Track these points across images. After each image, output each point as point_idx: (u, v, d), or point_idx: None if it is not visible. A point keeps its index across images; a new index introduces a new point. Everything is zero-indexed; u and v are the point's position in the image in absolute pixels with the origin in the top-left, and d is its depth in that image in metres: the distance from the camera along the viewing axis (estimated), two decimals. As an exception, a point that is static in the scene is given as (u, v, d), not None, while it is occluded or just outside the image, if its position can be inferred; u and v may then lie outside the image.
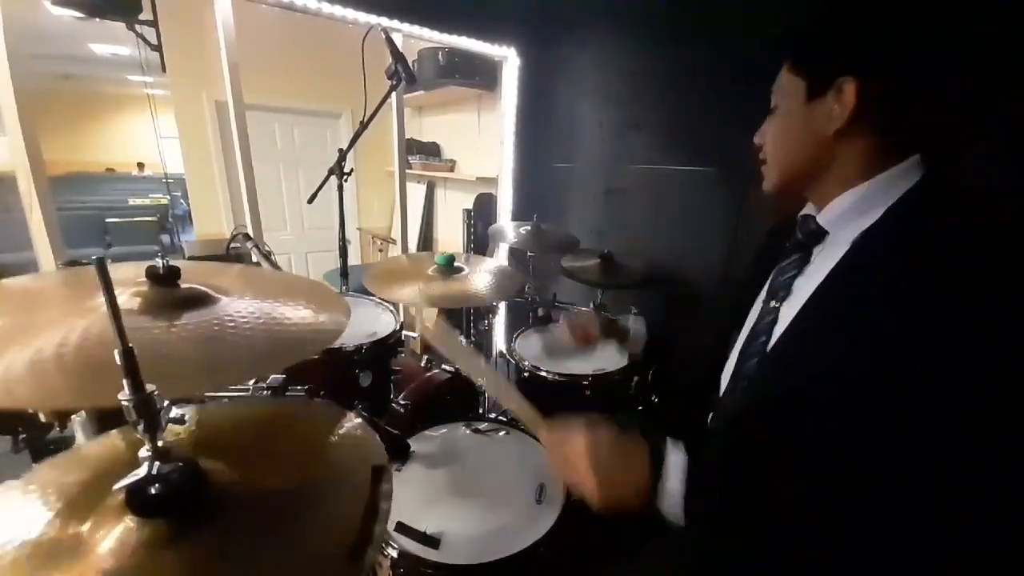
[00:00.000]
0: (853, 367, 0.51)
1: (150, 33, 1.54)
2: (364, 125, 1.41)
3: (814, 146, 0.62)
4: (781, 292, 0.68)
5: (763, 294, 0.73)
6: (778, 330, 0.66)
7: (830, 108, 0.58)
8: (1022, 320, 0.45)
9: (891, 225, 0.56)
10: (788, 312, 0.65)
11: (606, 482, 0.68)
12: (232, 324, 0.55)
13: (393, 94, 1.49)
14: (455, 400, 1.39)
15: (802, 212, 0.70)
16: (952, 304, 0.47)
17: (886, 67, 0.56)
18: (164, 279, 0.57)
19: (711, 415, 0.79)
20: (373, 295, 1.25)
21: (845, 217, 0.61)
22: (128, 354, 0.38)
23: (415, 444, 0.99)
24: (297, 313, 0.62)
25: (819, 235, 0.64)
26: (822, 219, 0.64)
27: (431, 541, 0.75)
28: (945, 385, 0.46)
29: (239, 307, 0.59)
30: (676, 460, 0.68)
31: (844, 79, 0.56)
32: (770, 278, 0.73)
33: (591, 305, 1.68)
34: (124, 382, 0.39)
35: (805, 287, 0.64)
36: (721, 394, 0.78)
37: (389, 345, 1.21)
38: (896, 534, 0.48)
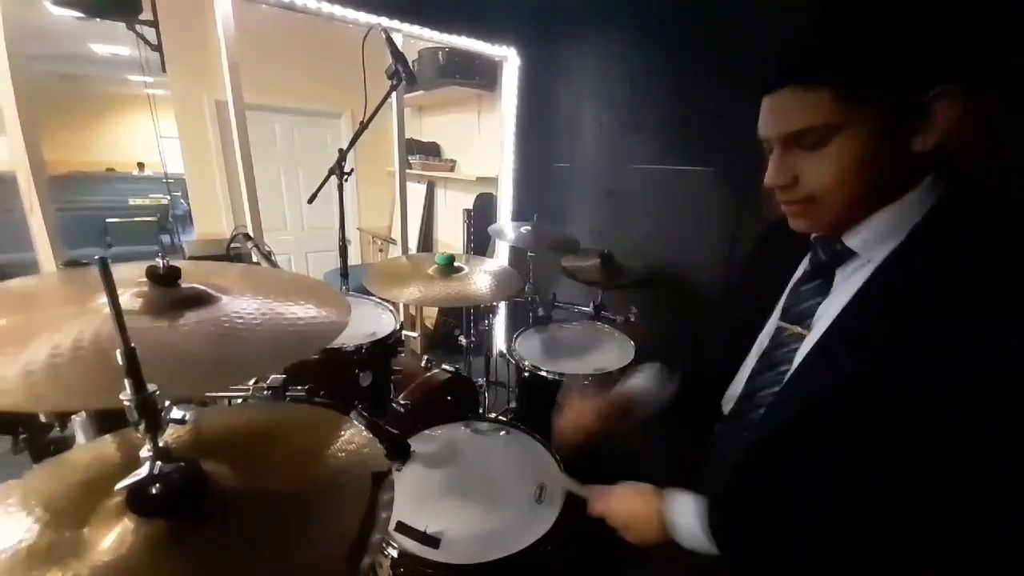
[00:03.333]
0: (894, 387, 0.50)
1: (150, 33, 1.55)
2: (364, 125, 1.41)
3: (893, 175, 0.55)
4: (806, 319, 0.65)
5: (776, 314, 0.71)
6: (801, 355, 0.63)
7: (914, 131, 0.51)
8: None
9: (921, 243, 0.53)
10: (814, 338, 0.63)
11: (633, 527, 0.73)
12: (228, 324, 0.56)
13: (393, 94, 1.49)
14: (455, 400, 1.39)
15: (817, 233, 0.66)
16: (999, 320, 0.46)
17: (979, 82, 0.51)
18: (164, 279, 0.57)
19: (717, 436, 0.79)
20: (373, 295, 1.25)
21: (877, 239, 0.57)
22: (130, 354, 0.38)
23: (415, 444, 0.99)
24: (297, 311, 0.62)
25: (844, 257, 0.61)
26: (852, 242, 0.60)
27: (431, 541, 0.75)
28: (1002, 404, 0.45)
29: (240, 306, 0.59)
30: (682, 499, 0.70)
31: (943, 101, 0.49)
32: (784, 299, 0.71)
33: (591, 305, 1.68)
34: (126, 382, 0.39)
35: (829, 311, 0.62)
36: (727, 412, 0.77)
37: (389, 345, 1.21)
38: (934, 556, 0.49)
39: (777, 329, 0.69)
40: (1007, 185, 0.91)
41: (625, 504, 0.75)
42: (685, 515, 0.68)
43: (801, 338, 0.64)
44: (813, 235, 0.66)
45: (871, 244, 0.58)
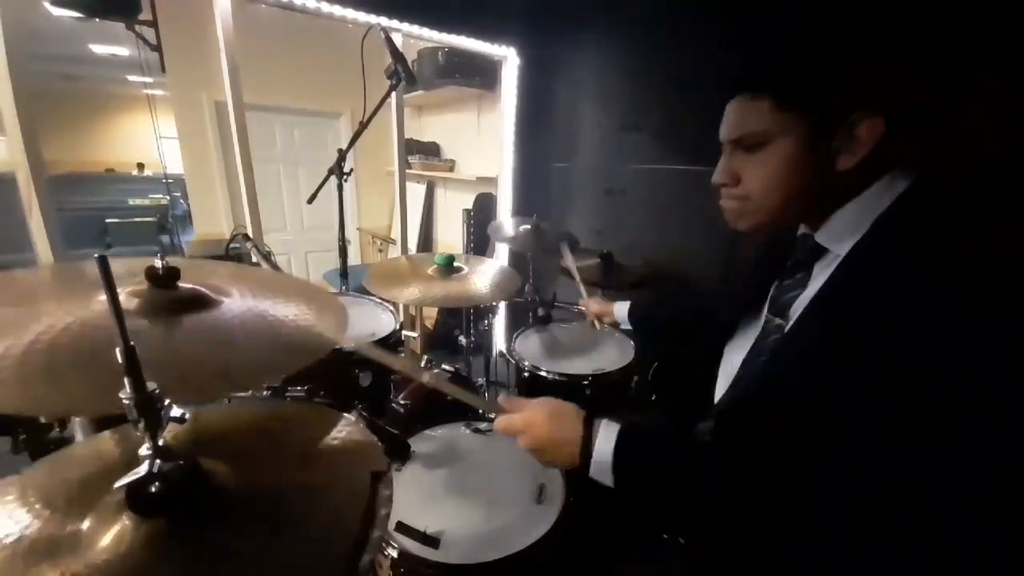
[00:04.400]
0: (863, 370, 0.52)
1: (149, 33, 1.55)
2: (364, 125, 1.41)
3: (817, 183, 0.60)
4: (785, 311, 0.68)
5: (765, 309, 0.74)
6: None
7: (841, 144, 0.56)
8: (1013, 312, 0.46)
9: (879, 235, 0.57)
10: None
11: (544, 444, 0.70)
12: (231, 326, 0.55)
13: (393, 94, 1.49)
14: (455, 400, 1.39)
15: (800, 231, 0.70)
16: (947, 300, 0.48)
17: (897, 100, 0.55)
18: (163, 279, 0.57)
19: (709, 419, 0.80)
20: (373, 295, 1.25)
21: (842, 234, 0.61)
22: (130, 352, 0.38)
23: (415, 444, 0.99)
24: (297, 318, 0.61)
25: (819, 252, 0.65)
26: (820, 238, 0.64)
27: (431, 541, 0.75)
28: (956, 382, 0.46)
29: (239, 311, 0.59)
30: (608, 427, 0.68)
31: (866, 118, 0.54)
32: (770, 295, 0.74)
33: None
34: (126, 380, 0.39)
35: (803, 303, 0.65)
36: (716, 401, 0.79)
37: (389, 345, 1.21)
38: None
39: (764, 321, 0.73)
40: (976, 177, 0.94)
41: (544, 426, 0.70)
42: (606, 443, 0.66)
43: (781, 329, 0.68)
44: (798, 233, 0.70)
45: (836, 239, 0.62)
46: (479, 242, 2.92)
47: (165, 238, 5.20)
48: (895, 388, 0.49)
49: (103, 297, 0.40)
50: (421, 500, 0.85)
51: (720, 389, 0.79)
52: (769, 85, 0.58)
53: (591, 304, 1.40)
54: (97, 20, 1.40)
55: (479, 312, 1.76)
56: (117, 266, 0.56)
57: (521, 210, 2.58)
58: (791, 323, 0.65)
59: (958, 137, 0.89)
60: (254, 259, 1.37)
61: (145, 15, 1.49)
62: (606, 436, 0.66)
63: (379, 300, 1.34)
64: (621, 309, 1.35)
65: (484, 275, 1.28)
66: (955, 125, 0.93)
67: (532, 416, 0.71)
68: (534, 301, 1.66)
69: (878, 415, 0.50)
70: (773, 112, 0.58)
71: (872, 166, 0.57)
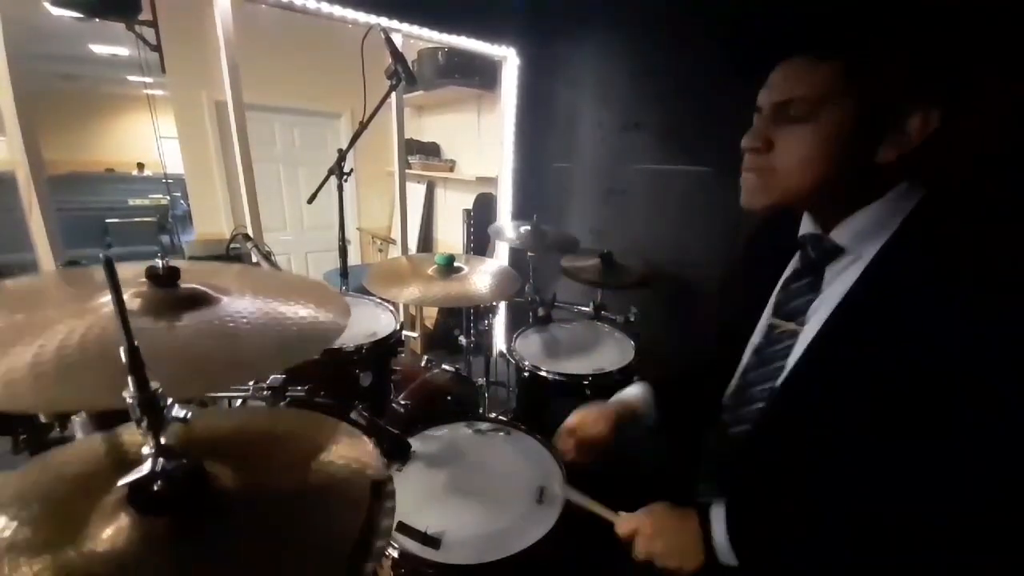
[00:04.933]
0: (897, 376, 0.52)
1: (149, 33, 1.55)
2: (364, 125, 1.41)
3: (854, 173, 0.57)
4: (798, 316, 0.66)
5: (768, 312, 0.72)
6: (797, 352, 0.64)
7: (889, 136, 0.54)
8: None
9: (910, 239, 0.55)
10: (808, 334, 0.64)
11: (669, 554, 0.67)
12: (230, 324, 0.55)
13: (393, 94, 1.49)
14: (455, 400, 1.39)
15: (806, 231, 0.68)
16: (988, 305, 0.48)
17: (958, 95, 0.55)
18: (164, 279, 0.57)
19: (717, 435, 0.79)
20: (373, 295, 1.25)
21: (864, 235, 0.59)
22: (134, 351, 0.38)
23: (415, 444, 0.99)
24: (298, 312, 0.62)
25: (834, 254, 0.63)
26: (840, 238, 0.61)
27: (432, 541, 0.75)
28: (993, 389, 0.47)
29: (239, 307, 0.59)
30: (718, 513, 0.66)
31: (918, 108, 0.52)
32: (775, 297, 0.72)
33: (591, 305, 1.68)
34: (129, 379, 0.39)
35: (823, 308, 0.63)
36: (721, 412, 0.78)
37: (389, 345, 1.21)
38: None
39: (769, 326, 0.70)
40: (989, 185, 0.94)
41: (662, 528, 0.68)
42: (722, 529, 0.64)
43: (795, 335, 0.65)
44: (801, 234, 0.68)
45: (858, 240, 0.60)
46: (479, 242, 2.92)
47: (165, 238, 5.20)
48: (925, 392, 0.50)
49: (108, 299, 0.40)
50: (422, 500, 0.85)
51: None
52: (848, 47, 0.54)
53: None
54: (97, 20, 1.40)
55: (479, 312, 1.76)
56: (119, 268, 0.57)
57: (521, 210, 2.59)
58: (814, 328, 0.63)
59: (964, 137, 0.89)
60: (254, 259, 1.37)
61: (145, 15, 1.49)
62: (717, 519, 0.65)
63: (379, 300, 1.34)
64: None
65: (484, 275, 1.28)
66: (961, 125, 0.93)
67: (645, 526, 0.69)
68: (534, 301, 1.66)
69: (902, 418, 0.51)
70: (839, 78, 0.54)
71: (908, 165, 0.55)
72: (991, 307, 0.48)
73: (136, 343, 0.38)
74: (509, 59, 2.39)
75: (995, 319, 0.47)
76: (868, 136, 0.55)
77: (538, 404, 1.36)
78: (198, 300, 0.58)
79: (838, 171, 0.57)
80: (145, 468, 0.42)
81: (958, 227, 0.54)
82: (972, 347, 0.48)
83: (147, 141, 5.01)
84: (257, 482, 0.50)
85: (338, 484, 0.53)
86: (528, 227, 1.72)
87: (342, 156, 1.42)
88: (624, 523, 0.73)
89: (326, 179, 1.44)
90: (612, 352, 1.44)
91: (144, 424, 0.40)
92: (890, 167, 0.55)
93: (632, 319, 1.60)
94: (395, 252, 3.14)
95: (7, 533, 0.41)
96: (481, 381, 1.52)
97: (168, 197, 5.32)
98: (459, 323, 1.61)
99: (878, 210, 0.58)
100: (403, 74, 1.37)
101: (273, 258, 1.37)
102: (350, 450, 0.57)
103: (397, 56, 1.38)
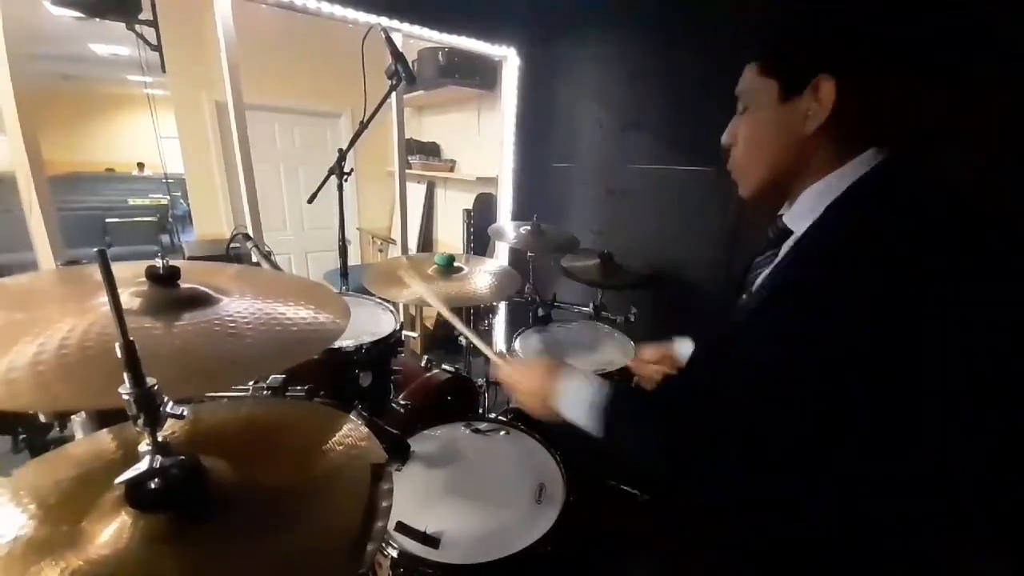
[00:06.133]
0: (793, 348, 0.54)
1: (150, 33, 1.55)
2: (364, 125, 1.41)
3: (790, 147, 0.62)
4: (751, 287, 0.71)
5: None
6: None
7: (807, 107, 0.59)
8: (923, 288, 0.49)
9: (825, 221, 0.58)
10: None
11: (522, 391, 0.79)
12: (231, 324, 0.55)
13: (393, 94, 1.49)
14: (455, 400, 1.39)
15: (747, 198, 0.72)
16: (876, 285, 0.50)
17: (861, 64, 0.58)
18: (164, 279, 0.57)
19: None
20: (373, 295, 1.25)
21: (803, 213, 0.62)
22: (129, 347, 0.38)
23: (415, 444, 0.99)
24: (298, 313, 0.62)
25: (787, 233, 0.66)
26: (785, 218, 0.66)
27: (431, 541, 0.75)
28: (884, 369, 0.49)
29: (239, 308, 0.59)
30: (575, 384, 0.72)
31: (822, 78, 0.57)
32: (744, 275, 0.76)
33: (591, 305, 1.68)
34: (125, 376, 0.39)
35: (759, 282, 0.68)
36: None
37: (389, 345, 1.21)
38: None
39: (738, 303, 0.76)
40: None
41: (526, 378, 0.80)
42: (574, 394, 0.71)
43: (746, 308, 0.71)
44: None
45: (796, 218, 0.64)
46: (479, 242, 2.92)
47: (165, 238, 5.20)
48: (798, 358, 0.52)
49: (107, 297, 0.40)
50: (421, 500, 0.85)
51: None
52: (756, 51, 0.65)
53: (644, 352, 1.09)
54: (97, 20, 1.40)
55: (479, 312, 1.76)
56: (119, 268, 0.57)
57: (521, 210, 2.58)
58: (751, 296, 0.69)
59: (924, 121, 0.90)
60: (254, 259, 1.37)
61: (145, 15, 1.49)
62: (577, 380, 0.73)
63: (379, 300, 1.34)
64: (683, 348, 1.05)
65: (484, 275, 1.28)
66: (925, 109, 0.94)
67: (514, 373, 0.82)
68: (534, 301, 1.66)
69: (799, 395, 0.53)
70: (757, 77, 0.64)
71: (836, 138, 0.59)
72: (879, 288, 0.49)
73: (131, 338, 0.38)
74: (509, 59, 2.39)
75: (885, 299, 0.48)
76: (789, 111, 0.60)
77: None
78: (198, 300, 0.58)
79: (776, 149, 0.64)
80: (142, 465, 0.42)
81: (871, 211, 0.55)
82: (860, 328, 0.49)
83: (147, 141, 5.00)
84: (255, 475, 0.50)
85: (336, 473, 0.53)
86: (528, 227, 1.72)
87: (342, 156, 1.42)
88: (502, 368, 0.86)
89: (326, 179, 1.44)
90: (612, 352, 1.44)
91: (140, 421, 0.40)
92: (822, 141, 0.60)
93: (632, 319, 1.60)
94: (395, 252, 3.14)
95: (7, 533, 0.41)
96: (481, 381, 1.52)
97: (168, 197, 5.33)
98: (459, 323, 1.61)
99: (816, 191, 0.62)
100: (403, 74, 1.37)
101: (273, 258, 1.37)
102: (347, 437, 0.57)
103: (397, 56, 1.38)
